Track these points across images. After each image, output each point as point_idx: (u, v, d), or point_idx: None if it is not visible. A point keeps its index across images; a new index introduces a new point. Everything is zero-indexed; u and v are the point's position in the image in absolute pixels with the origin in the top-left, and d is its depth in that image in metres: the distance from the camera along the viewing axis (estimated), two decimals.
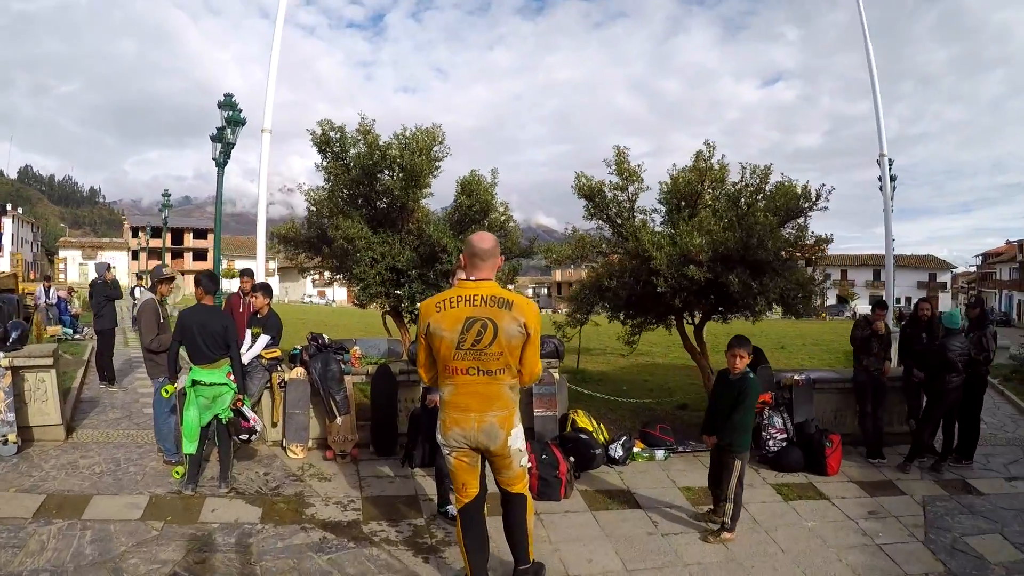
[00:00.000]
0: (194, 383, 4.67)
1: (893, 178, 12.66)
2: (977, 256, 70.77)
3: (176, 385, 4.91)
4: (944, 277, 65.65)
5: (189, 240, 66.06)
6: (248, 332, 5.78)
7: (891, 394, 6.37)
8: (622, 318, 7.34)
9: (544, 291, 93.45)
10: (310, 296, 67.21)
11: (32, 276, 39.01)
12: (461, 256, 3.20)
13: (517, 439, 3.01)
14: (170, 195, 30.45)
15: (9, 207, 56.89)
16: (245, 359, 5.41)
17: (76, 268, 58.64)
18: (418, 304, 4.86)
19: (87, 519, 3.99)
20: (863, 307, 35.95)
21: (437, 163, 7.66)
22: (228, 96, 9.33)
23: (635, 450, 5.76)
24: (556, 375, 6.23)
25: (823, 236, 6.68)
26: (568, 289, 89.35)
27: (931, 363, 5.73)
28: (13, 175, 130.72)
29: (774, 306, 6.62)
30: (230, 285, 17.08)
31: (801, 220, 6.44)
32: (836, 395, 6.69)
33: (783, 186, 6.26)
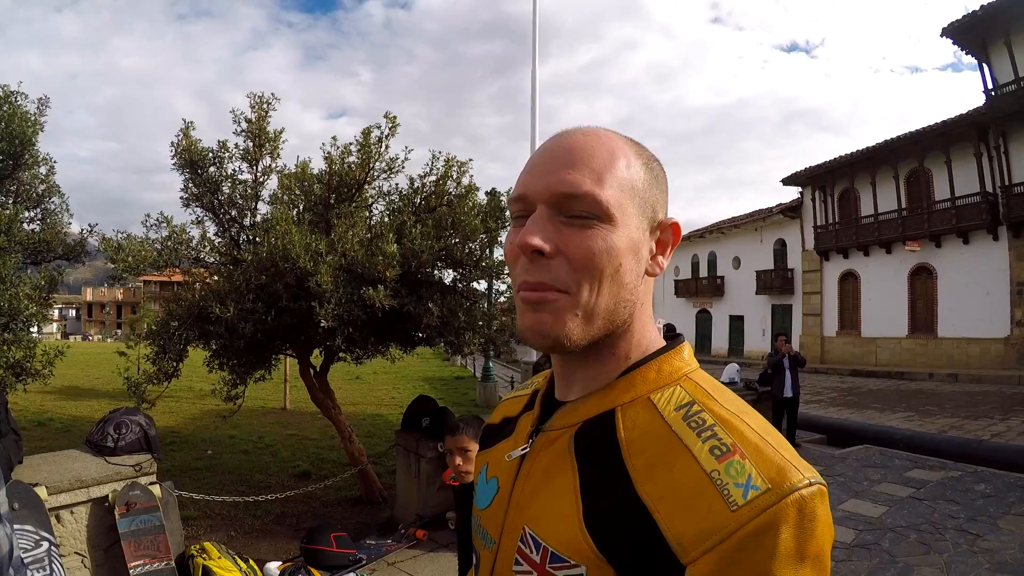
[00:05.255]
0: None
1: None
2: None
3: None
4: None
5: None
6: None
7: None
8: (231, 364, 4.88)
9: (72, 313, 72.85)
10: None
11: None
12: None
13: None
14: None
15: None
16: None
17: None
18: None
19: None
20: None
21: None
22: None
23: None
24: (156, 489, 3.34)
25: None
26: (101, 312, 70.27)
27: None
28: None
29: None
30: None
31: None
32: None
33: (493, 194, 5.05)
